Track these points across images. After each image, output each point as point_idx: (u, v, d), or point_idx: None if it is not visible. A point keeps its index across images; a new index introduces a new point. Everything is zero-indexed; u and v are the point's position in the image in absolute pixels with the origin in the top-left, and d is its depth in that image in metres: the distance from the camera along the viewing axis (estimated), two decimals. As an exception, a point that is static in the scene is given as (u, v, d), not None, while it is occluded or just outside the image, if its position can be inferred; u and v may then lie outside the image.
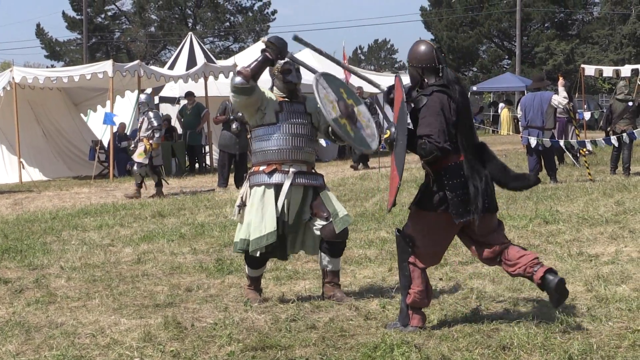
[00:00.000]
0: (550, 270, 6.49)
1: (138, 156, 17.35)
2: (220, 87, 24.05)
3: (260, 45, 7.92)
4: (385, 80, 34.77)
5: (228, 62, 27.46)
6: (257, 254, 7.52)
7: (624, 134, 17.51)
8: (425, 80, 6.62)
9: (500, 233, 6.72)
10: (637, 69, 28.96)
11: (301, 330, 6.67)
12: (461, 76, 55.65)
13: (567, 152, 21.12)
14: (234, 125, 18.45)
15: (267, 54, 7.53)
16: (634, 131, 17.66)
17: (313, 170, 7.77)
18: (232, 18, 72.52)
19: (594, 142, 18.33)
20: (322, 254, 7.67)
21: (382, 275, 8.75)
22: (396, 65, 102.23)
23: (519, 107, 18.42)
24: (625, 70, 30.65)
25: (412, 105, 6.58)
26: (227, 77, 23.29)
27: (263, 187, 7.54)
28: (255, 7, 72.01)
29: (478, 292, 7.77)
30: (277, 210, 7.48)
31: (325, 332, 6.60)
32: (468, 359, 5.84)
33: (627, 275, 8.23)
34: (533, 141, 16.70)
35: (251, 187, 7.63)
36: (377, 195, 15.75)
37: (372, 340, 6.27)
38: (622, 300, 7.20)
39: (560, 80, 17.85)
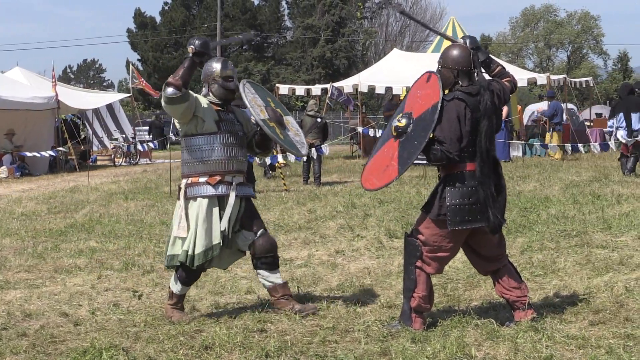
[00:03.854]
0: (534, 319, 6.65)
1: None
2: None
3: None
4: (95, 97, 34.12)
5: None
6: (196, 267, 7.25)
7: (313, 148, 18.55)
8: (460, 82, 6.55)
9: (501, 250, 6.76)
10: (326, 88, 30.47)
11: (12, 339, 6.75)
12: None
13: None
14: None
15: (194, 59, 7.22)
16: (321, 146, 18.84)
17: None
18: None
19: (285, 156, 19.26)
20: (263, 272, 7.43)
21: (91, 282, 8.91)
22: (105, 84, 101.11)
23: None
24: (316, 89, 32.52)
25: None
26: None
27: (207, 198, 7.21)
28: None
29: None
30: (222, 222, 7.21)
31: (35, 339, 6.71)
32: (173, 359, 6.12)
33: (319, 277, 8.86)
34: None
35: (192, 198, 7.24)
36: (87, 206, 15.85)
37: (81, 345, 6.44)
38: (314, 300, 7.72)
39: (261, 98, 18.52)
